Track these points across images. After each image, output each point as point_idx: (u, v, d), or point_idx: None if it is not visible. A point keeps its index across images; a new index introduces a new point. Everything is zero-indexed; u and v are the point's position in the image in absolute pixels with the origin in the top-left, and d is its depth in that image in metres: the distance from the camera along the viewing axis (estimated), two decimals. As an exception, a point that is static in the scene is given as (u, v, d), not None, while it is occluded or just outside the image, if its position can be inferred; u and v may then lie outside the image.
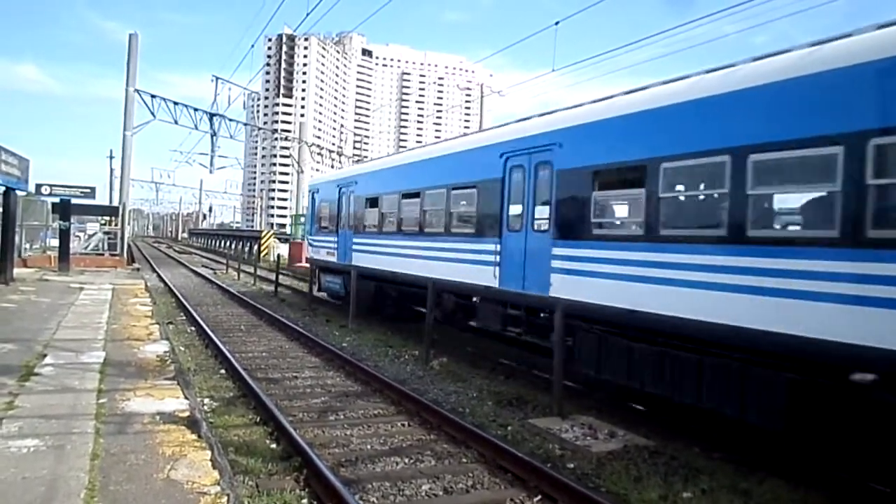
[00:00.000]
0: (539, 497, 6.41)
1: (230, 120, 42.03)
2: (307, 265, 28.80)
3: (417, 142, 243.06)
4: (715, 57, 11.20)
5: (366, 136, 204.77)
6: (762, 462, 7.34)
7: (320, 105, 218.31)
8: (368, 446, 7.89)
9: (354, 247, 18.64)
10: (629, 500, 6.39)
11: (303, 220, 48.16)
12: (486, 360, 13.34)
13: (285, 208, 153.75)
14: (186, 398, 8.69)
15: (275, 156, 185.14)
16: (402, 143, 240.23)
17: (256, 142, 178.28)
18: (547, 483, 6.53)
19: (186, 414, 7.88)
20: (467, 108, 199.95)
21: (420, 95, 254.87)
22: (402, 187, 15.96)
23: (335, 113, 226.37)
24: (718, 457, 7.60)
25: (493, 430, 8.54)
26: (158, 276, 33.31)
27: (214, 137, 41.34)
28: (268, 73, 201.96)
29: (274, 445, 7.66)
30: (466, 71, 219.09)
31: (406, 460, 7.39)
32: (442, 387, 11.05)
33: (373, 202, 17.70)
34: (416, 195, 15.09)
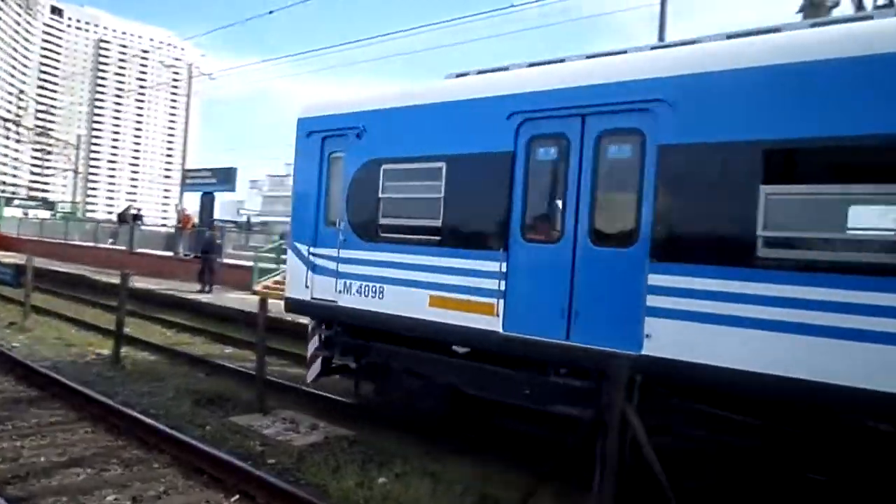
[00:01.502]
0: (237, 496, 6.32)
1: None
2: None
3: (115, 121, 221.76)
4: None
5: (52, 107, 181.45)
6: (450, 445, 8.05)
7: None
8: (43, 458, 7.07)
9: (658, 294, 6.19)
10: (328, 490, 6.58)
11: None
12: (185, 356, 12.67)
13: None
14: None
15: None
16: (96, 120, 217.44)
17: None
18: (245, 481, 6.47)
19: None
20: (174, 88, 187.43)
21: (120, 68, 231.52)
22: None
23: (13, 76, 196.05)
24: (411, 442, 8.16)
25: (190, 430, 8.19)
26: None
27: None
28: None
29: (-83, 466, 6.50)
30: (175, 47, 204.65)
31: (88, 470, 6.79)
32: (134, 388, 10.32)
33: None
34: None
